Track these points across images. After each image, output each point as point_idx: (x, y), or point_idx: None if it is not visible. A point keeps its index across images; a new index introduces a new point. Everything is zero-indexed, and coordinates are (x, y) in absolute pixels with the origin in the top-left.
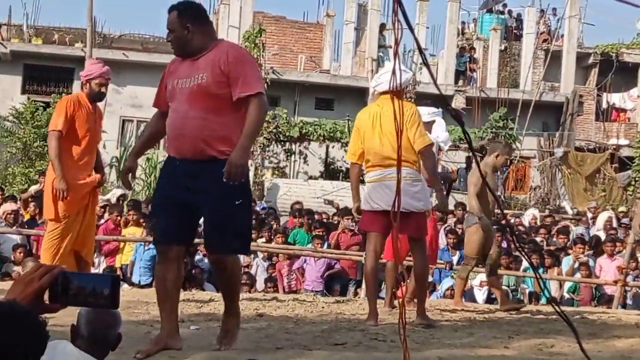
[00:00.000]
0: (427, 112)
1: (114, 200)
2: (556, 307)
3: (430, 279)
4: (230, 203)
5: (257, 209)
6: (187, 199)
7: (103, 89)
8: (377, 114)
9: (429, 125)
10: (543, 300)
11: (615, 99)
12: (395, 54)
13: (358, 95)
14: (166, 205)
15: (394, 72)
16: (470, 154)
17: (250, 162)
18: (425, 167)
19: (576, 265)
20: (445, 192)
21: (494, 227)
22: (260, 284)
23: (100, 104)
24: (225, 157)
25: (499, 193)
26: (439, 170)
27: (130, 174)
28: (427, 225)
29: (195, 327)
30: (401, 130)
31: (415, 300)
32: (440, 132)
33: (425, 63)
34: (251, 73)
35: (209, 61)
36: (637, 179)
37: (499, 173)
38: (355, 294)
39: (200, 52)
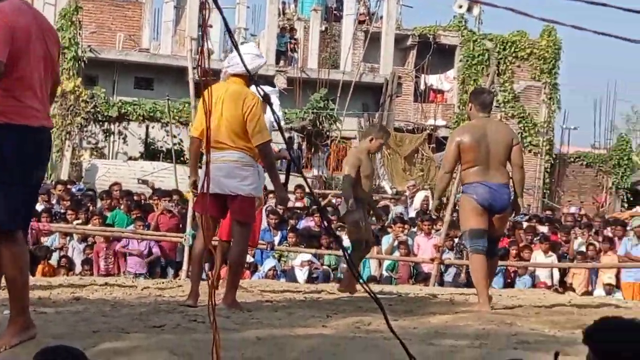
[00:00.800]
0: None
1: None
2: (364, 285)
3: (251, 259)
4: None
5: (74, 190)
6: None
7: None
8: (220, 97)
9: (263, 105)
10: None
11: (433, 80)
12: (204, 33)
13: (178, 75)
14: None
15: (201, 52)
16: (292, 135)
17: (67, 142)
18: (263, 165)
19: (395, 243)
20: (285, 175)
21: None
22: (77, 267)
23: None
24: None
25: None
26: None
27: None
28: (254, 212)
29: (7, 312)
30: (208, 113)
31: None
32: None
33: (235, 45)
34: None
35: None
36: None
37: (320, 153)
38: (176, 276)
39: None
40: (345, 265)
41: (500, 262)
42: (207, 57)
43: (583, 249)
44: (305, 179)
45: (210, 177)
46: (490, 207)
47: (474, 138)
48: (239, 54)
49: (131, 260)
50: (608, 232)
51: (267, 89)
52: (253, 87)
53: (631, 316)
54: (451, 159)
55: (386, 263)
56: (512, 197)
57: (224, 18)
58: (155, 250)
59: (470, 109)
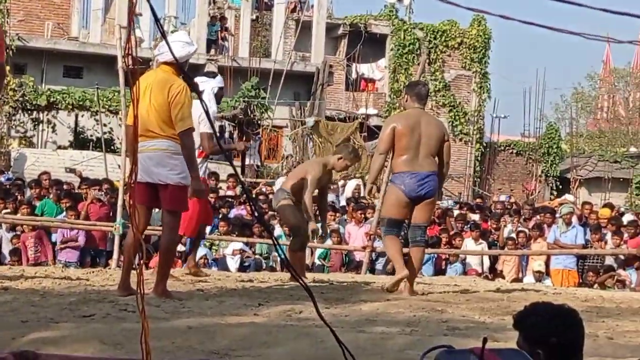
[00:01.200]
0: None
1: None
2: (292, 272)
3: (183, 248)
4: None
5: (2, 179)
6: None
7: None
8: (149, 85)
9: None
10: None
11: (364, 69)
12: (131, 21)
13: (108, 64)
14: None
15: (129, 41)
16: (223, 123)
17: None
18: (182, 152)
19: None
20: (241, 164)
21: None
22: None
23: None
24: None
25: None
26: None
27: None
28: (185, 200)
29: None
30: (135, 101)
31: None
32: (207, 102)
33: (162, 33)
34: None
35: None
36: None
37: (251, 142)
38: (106, 265)
39: None
40: (275, 253)
41: (431, 250)
42: (135, 46)
43: (513, 236)
44: (234, 167)
45: (139, 166)
46: (418, 195)
47: (408, 125)
48: (167, 43)
49: (62, 249)
50: (537, 219)
51: (200, 78)
52: (199, 79)
53: (560, 302)
54: (386, 140)
55: (318, 251)
56: (437, 185)
57: (151, 6)
58: (81, 239)
59: (406, 100)
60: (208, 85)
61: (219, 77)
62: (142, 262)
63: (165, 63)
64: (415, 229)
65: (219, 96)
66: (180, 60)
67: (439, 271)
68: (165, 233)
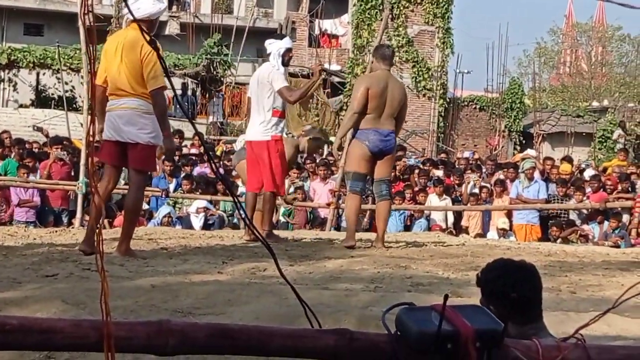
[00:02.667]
0: None
1: None
2: (254, 230)
3: (146, 206)
4: None
5: None
6: None
7: None
8: (120, 43)
9: (281, 58)
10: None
11: (327, 25)
12: None
13: (69, 21)
14: None
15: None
16: (186, 81)
17: None
18: (154, 111)
19: (292, 189)
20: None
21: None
22: None
23: None
24: None
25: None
26: None
27: None
28: (154, 160)
29: None
30: (92, 60)
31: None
32: (274, 62)
33: None
34: None
35: None
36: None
37: (214, 99)
38: (70, 224)
39: None
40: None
41: (395, 207)
42: (92, 3)
43: (476, 191)
44: (194, 125)
45: (108, 124)
46: (380, 151)
47: (379, 87)
48: (126, 4)
49: (19, 209)
50: (500, 175)
51: (271, 40)
52: (268, 41)
53: (522, 257)
54: (361, 99)
55: (282, 209)
56: (395, 143)
57: None
58: (37, 199)
59: (373, 62)
60: (275, 46)
61: (286, 39)
62: (101, 223)
63: (134, 20)
64: (380, 183)
65: (285, 57)
66: (152, 17)
67: (406, 227)
68: (132, 191)
